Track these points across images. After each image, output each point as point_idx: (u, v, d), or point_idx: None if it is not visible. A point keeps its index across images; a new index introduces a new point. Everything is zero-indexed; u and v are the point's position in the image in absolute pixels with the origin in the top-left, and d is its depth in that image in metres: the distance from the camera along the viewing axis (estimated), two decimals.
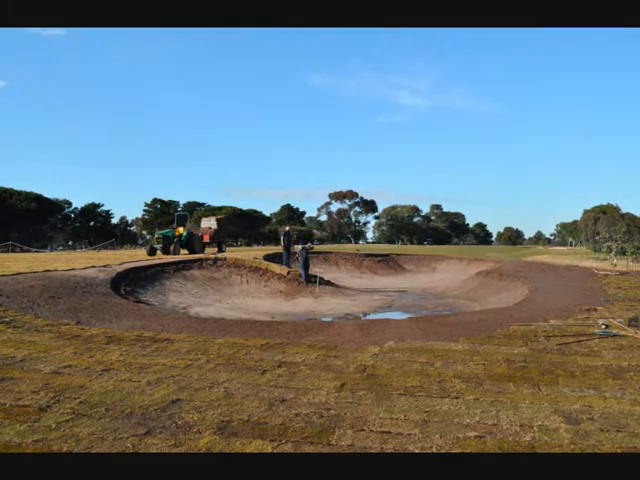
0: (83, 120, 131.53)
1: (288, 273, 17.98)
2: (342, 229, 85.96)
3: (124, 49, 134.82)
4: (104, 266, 14.79)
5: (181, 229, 23.29)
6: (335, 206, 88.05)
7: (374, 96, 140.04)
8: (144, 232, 74.12)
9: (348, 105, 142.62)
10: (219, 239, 26.20)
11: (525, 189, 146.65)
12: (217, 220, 27.37)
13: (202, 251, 23.24)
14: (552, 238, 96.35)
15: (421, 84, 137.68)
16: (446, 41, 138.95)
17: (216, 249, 25.68)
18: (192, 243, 23.05)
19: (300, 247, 18.10)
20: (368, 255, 29.47)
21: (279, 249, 28.95)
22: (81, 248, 51.41)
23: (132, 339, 6.56)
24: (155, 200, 73.84)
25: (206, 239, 24.93)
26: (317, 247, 41.54)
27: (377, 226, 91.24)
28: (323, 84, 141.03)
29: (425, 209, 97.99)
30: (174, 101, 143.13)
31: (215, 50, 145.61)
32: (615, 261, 20.50)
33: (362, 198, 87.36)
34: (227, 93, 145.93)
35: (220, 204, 70.29)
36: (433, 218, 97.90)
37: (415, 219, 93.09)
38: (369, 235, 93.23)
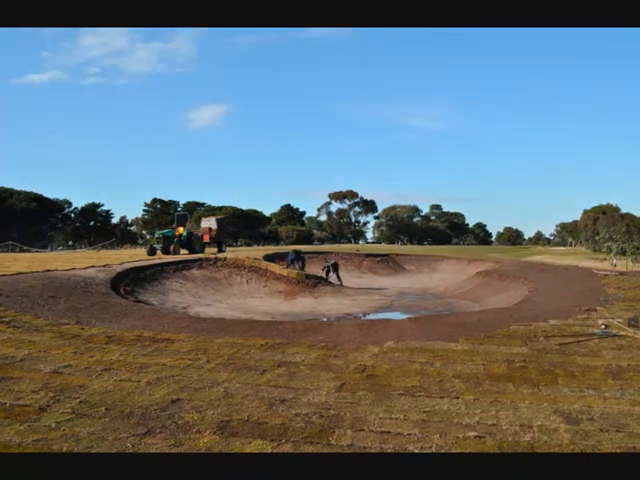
0: (83, 120, 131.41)
1: (288, 274, 18.00)
2: (342, 229, 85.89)
3: (121, 50, 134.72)
4: (104, 266, 14.79)
5: (181, 229, 23.29)
6: (335, 206, 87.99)
7: (385, 118, 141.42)
8: (144, 232, 74.07)
9: (360, 124, 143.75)
10: (219, 239, 26.21)
11: (525, 189, 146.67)
12: (217, 220, 27.37)
13: (202, 251, 23.26)
14: (552, 238, 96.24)
15: (432, 109, 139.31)
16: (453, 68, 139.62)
17: (216, 249, 25.69)
18: (192, 243, 23.07)
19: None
20: (368, 255, 29.48)
21: (279, 249, 28.98)
22: (81, 248, 51.39)
23: (132, 339, 6.56)
24: (155, 200, 73.85)
25: (206, 239, 24.94)
26: (317, 247, 41.49)
27: (377, 226, 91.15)
28: (337, 107, 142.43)
29: (425, 209, 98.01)
30: (174, 100, 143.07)
31: (222, 53, 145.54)
32: (615, 261, 20.51)
33: (362, 198, 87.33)
34: (227, 95, 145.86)
35: (220, 204, 70.25)
36: (433, 218, 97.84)
37: (415, 219, 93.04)
38: (369, 235, 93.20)
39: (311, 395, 4.33)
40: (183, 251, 22.26)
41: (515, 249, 53.31)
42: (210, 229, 25.91)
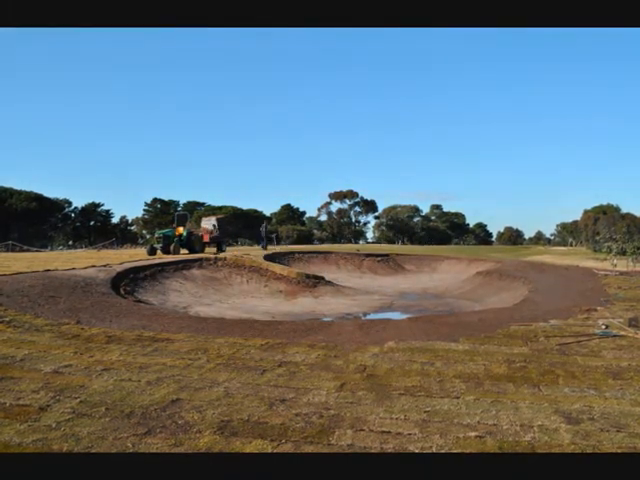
0: (83, 119, 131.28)
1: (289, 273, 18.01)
2: (342, 229, 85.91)
3: (123, 48, 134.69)
4: (104, 266, 14.79)
5: (181, 229, 23.25)
6: (335, 206, 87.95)
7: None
8: (144, 232, 74.08)
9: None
10: (219, 239, 26.24)
11: (525, 189, 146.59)
12: (217, 220, 27.40)
13: (202, 251, 23.28)
14: (552, 238, 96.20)
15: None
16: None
17: (216, 249, 25.68)
18: (192, 243, 23.11)
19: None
20: (368, 255, 29.47)
21: (279, 249, 28.98)
22: (81, 248, 51.41)
23: (132, 339, 6.56)
24: (155, 200, 73.87)
25: (206, 239, 24.98)
26: (317, 247, 41.46)
27: (377, 226, 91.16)
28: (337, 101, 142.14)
29: (425, 209, 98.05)
30: (173, 100, 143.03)
31: (219, 51, 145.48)
32: (615, 261, 20.50)
33: (362, 198, 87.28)
34: (225, 92, 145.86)
35: (220, 204, 70.23)
36: (433, 218, 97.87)
37: (415, 219, 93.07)
38: (369, 235, 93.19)
39: (311, 395, 4.33)
40: (183, 251, 22.30)
41: (515, 249, 53.27)
42: (212, 226, 25.93)
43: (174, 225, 24.04)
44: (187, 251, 22.55)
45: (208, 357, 5.61)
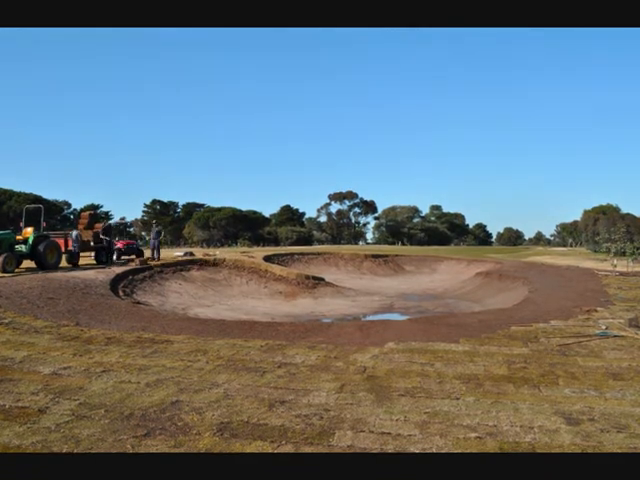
0: (83, 120, 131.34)
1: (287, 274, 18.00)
2: (342, 230, 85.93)
3: (125, 48, 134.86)
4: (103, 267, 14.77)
5: (29, 230, 14.44)
6: (335, 207, 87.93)
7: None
8: (143, 233, 74.07)
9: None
10: (95, 245, 17.00)
11: (525, 190, 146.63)
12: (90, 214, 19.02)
13: (56, 266, 14.37)
14: (552, 239, 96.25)
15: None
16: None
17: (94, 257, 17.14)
18: (43, 254, 13.83)
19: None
20: (367, 256, 29.45)
21: (279, 250, 28.92)
22: None
23: (131, 340, 6.55)
24: (154, 201, 73.84)
25: (70, 246, 15.81)
26: (317, 248, 41.45)
27: (377, 227, 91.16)
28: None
29: (425, 209, 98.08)
30: (173, 100, 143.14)
31: (215, 52, 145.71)
32: (615, 262, 20.51)
33: (362, 199, 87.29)
34: (224, 91, 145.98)
35: (220, 205, 70.24)
36: (433, 219, 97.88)
37: (415, 220, 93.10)
38: (369, 236, 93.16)
39: (311, 396, 4.32)
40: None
41: (515, 249, 53.18)
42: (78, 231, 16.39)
43: (22, 224, 15.31)
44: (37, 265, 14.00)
45: (208, 359, 5.60)
